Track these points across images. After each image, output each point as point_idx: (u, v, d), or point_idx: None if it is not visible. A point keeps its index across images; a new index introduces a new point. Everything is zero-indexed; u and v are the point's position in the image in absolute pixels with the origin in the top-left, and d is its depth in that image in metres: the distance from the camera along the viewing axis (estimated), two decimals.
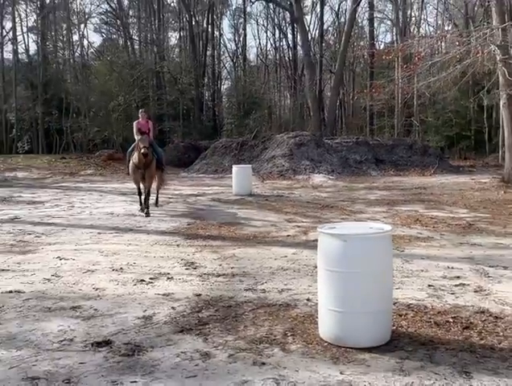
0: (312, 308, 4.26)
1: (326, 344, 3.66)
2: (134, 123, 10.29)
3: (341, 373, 3.22)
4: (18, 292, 5.03)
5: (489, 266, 5.96)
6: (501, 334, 3.85)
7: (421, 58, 16.78)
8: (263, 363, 3.38)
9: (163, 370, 3.29)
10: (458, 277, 5.49)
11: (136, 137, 9.79)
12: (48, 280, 5.49)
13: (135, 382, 3.12)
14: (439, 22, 42.73)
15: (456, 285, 5.19)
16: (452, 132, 36.02)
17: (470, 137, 35.99)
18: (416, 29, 41.29)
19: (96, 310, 4.50)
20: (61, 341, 3.78)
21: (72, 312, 4.44)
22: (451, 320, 4.13)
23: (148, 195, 10.35)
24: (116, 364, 3.37)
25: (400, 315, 4.21)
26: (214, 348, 3.63)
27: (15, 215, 10.43)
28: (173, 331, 3.98)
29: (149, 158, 9.73)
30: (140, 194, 10.45)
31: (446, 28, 38.73)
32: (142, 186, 10.47)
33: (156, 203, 11.37)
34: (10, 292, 5.02)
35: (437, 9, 42.51)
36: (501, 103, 15.23)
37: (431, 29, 42.56)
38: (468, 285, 5.22)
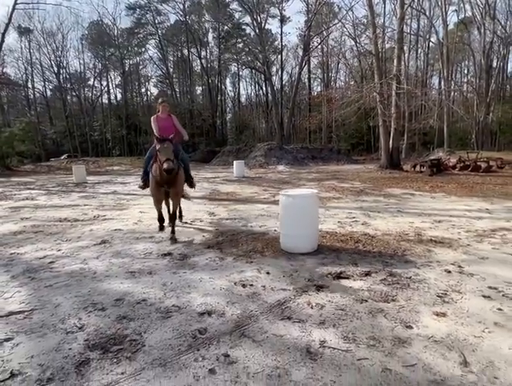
0: (277, 234, 4.37)
1: (284, 252, 3.82)
2: (152, 118, 4.72)
3: (291, 265, 3.40)
4: (120, 229, 5.11)
5: (370, 211, 6.09)
6: (374, 245, 4.05)
7: (336, 100, 16.75)
8: (251, 262, 3.55)
9: (199, 266, 3.46)
10: (354, 217, 5.61)
11: (155, 140, 4.30)
12: (136, 223, 5.55)
13: (185, 272, 3.29)
14: (347, 79, 42.31)
15: (352, 221, 5.34)
16: (353, 141, 36.13)
17: (363, 143, 36.00)
18: (334, 83, 40.94)
19: (162, 237, 4.58)
20: (145, 253, 3.90)
21: (149, 239, 4.53)
22: (348, 238, 4.29)
23: (174, 216, 4.81)
24: (174, 264, 3.52)
25: (323, 236, 4.36)
26: (226, 255, 3.78)
27: (114, 190, 10.40)
28: (204, 247, 4.10)
29: (174, 174, 4.24)
30: (161, 219, 4.77)
31: (351, 83, 38.44)
32: (164, 206, 5.01)
33: (180, 217, 5.49)
34: (115, 230, 5.09)
35: (345, 72, 42.16)
36: (380, 124, 15.33)
37: (342, 83, 42.23)
38: (359, 221, 5.36)
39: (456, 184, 9.74)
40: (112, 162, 26.18)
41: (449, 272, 3.17)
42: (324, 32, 32.29)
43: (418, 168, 14.13)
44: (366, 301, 2.61)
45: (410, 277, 3.04)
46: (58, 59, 39.71)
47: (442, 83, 28.48)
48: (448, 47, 24.95)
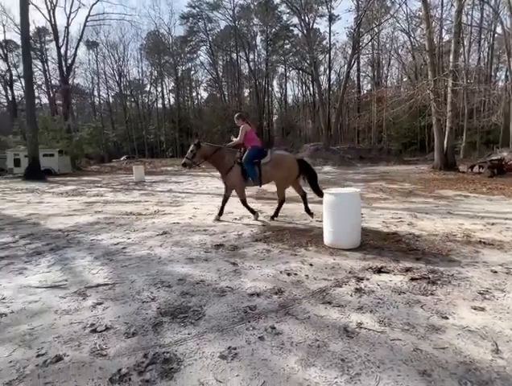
0: (321, 231, 4.50)
1: (327, 247, 4.05)
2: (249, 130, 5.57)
3: (333, 259, 3.63)
4: (178, 223, 5.66)
5: (418, 212, 6.03)
6: (418, 244, 4.10)
7: (386, 99, 16.30)
8: (296, 255, 3.84)
9: (248, 256, 3.82)
10: (400, 218, 5.62)
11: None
12: (191, 218, 6.10)
13: (235, 261, 3.69)
14: (400, 76, 40.48)
15: (397, 221, 5.36)
16: (405, 140, 34.47)
17: (417, 143, 34.29)
18: (385, 81, 39.40)
19: (215, 231, 5.03)
20: (200, 244, 4.36)
21: (203, 232, 4.99)
22: (392, 237, 4.38)
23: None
24: (226, 254, 3.93)
25: (366, 235, 4.48)
26: (272, 248, 4.11)
27: (170, 188, 11.31)
28: (252, 240, 4.45)
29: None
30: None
31: (404, 80, 36.78)
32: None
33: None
34: (174, 223, 5.66)
35: (398, 68, 40.34)
36: (433, 123, 14.60)
37: (394, 80, 40.50)
38: (404, 221, 5.37)
39: None
40: (166, 163, 28.01)
41: (495, 272, 3.17)
42: (375, 28, 31.30)
43: (476, 169, 13.24)
44: (404, 293, 2.76)
45: (452, 275, 3.11)
46: (119, 68, 43.49)
47: (509, 77, 26.02)
48: None
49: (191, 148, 5.64)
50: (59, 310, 2.60)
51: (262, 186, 5.79)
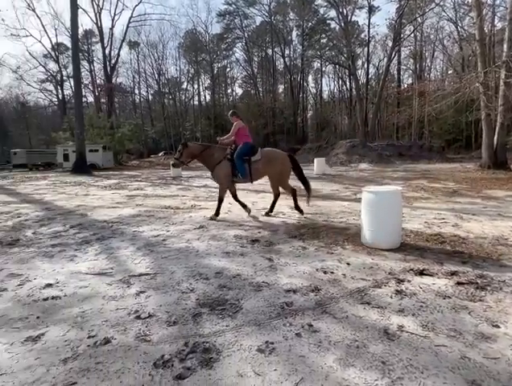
0: (358, 229, 4.46)
1: (365, 246, 3.93)
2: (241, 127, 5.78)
3: (372, 259, 3.53)
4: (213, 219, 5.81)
5: (464, 213, 5.66)
6: (464, 247, 3.86)
7: (429, 93, 15.42)
8: (332, 253, 3.77)
9: (283, 253, 3.82)
10: (443, 219, 5.31)
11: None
12: (226, 213, 6.15)
13: (271, 257, 3.70)
14: (444, 68, 38.13)
15: (441, 222, 5.07)
16: (449, 137, 32.46)
17: (462, 140, 32.16)
18: (428, 74, 37.31)
19: (250, 226, 5.07)
20: (236, 239, 4.40)
21: (239, 227, 5.05)
22: (435, 238, 4.16)
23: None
24: (261, 249, 3.94)
25: (407, 235, 4.31)
26: (308, 245, 4.06)
27: (205, 184, 11.54)
28: (287, 237, 4.43)
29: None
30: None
31: (449, 72, 34.65)
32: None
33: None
34: (210, 219, 5.80)
35: (443, 60, 38.01)
36: (482, 118, 13.59)
37: (438, 73, 38.23)
38: (449, 222, 5.07)
39: None
40: None
41: None
42: (419, 18, 29.70)
43: None
44: (450, 297, 2.62)
45: (503, 281, 2.90)
46: (159, 67, 45.06)
47: None
48: None
49: (178, 148, 5.80)
50: (107, 296, 2.77)
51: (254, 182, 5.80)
